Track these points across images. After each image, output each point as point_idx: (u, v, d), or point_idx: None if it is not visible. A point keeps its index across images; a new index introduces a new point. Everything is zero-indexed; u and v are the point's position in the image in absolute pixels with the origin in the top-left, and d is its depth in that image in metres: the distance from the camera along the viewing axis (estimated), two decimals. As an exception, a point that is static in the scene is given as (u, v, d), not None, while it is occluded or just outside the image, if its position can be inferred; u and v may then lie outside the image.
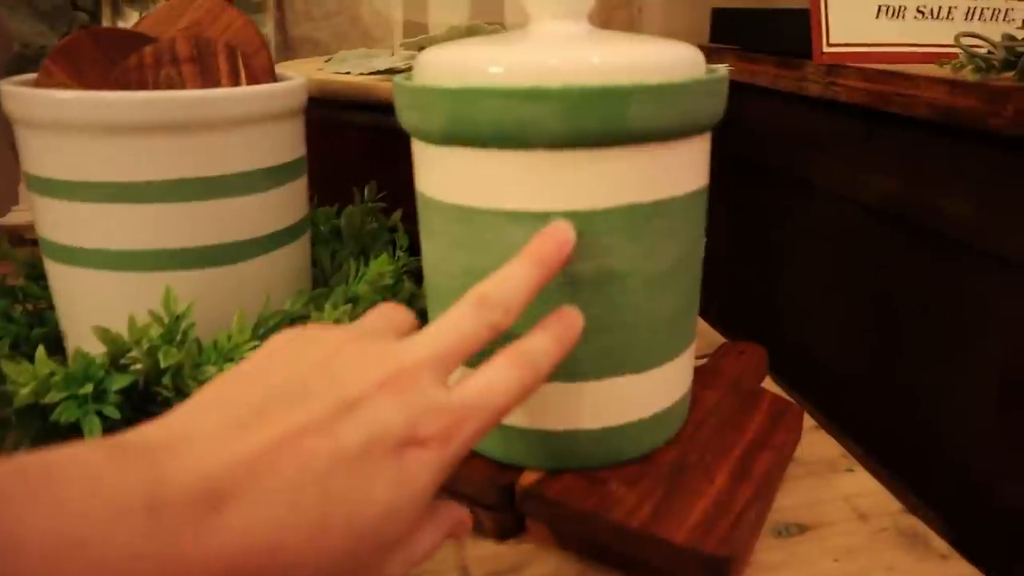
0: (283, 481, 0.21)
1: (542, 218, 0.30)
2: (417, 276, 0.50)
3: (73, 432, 0.36)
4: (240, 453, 0.21)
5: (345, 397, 0.23)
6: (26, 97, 0.39)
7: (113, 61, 0.44)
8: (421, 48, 0.57)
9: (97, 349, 0.38)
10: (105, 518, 0.18)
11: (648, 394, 0.35)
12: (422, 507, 0.24)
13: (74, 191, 0.39)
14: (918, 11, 0.61)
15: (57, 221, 0.40)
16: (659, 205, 0.31)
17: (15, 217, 0.76)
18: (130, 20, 0.79)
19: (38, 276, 0.50)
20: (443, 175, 0.32)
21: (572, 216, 0.30)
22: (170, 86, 0.42)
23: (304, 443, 0.21)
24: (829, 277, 0.66)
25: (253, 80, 0.43)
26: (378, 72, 0.56)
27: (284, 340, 0.25)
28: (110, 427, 0.36)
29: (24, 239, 0.77)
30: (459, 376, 0.26)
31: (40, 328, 0.45)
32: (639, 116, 0.29)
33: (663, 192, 0.31)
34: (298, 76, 0.44)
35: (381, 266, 0.44)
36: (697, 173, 0.33)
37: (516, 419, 0.34)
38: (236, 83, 0.43)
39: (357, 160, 0.56)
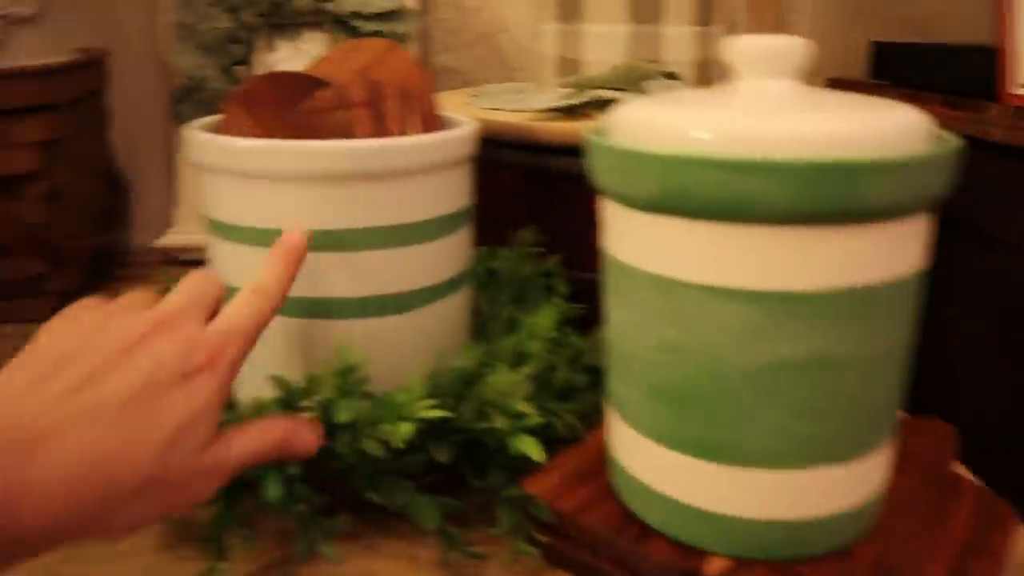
0: (89, 413, 0.26)
1: (754, 297, 0.28)
2: (578, 325, 0.48)
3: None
4: (48, 398, 0.26)
5: (127, 342, 0.28)
6: (208, 145, 0.39)
7: (289, 103, 0.44)
8: (579, 87, 0.56)
9: (267, 392, 0.38)
10: None
11: (850, 486, 0.32)
12: (213, 417, 0.29)
13: (253, 237, 0.39)
14: (1125, 50, 0.56)
15: (236, 266, 0.40)
16: (883, 288, 0.29)
17: (170, 239, 0.79)
18: (281, 51, 0.81)
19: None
20: (643, 243, 0.30)
21: (787, 297, 0.28)
22: (343, 129, 0.42)
23: (104, 380, 0.27)
24: (1012, 338, 0.61)
25: (422, 122, 0.43)
26: (535, 111, 0.55)
27: (72, 314, 0.31)
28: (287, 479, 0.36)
29: (178, 260, 0.80)
30: None
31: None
32: (873, 193, 0.26)
33: (888, 273, 0.29)
34: (468, 121, 0.44)
35: (547, 319, 0.42)
36: (921, 252, 0.30)
37: (706, 502, 0.32)
38: (406, 126, 0.43)
39: (510, 200, 0.55)
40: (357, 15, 0.75)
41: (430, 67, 0.87)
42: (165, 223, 0.84)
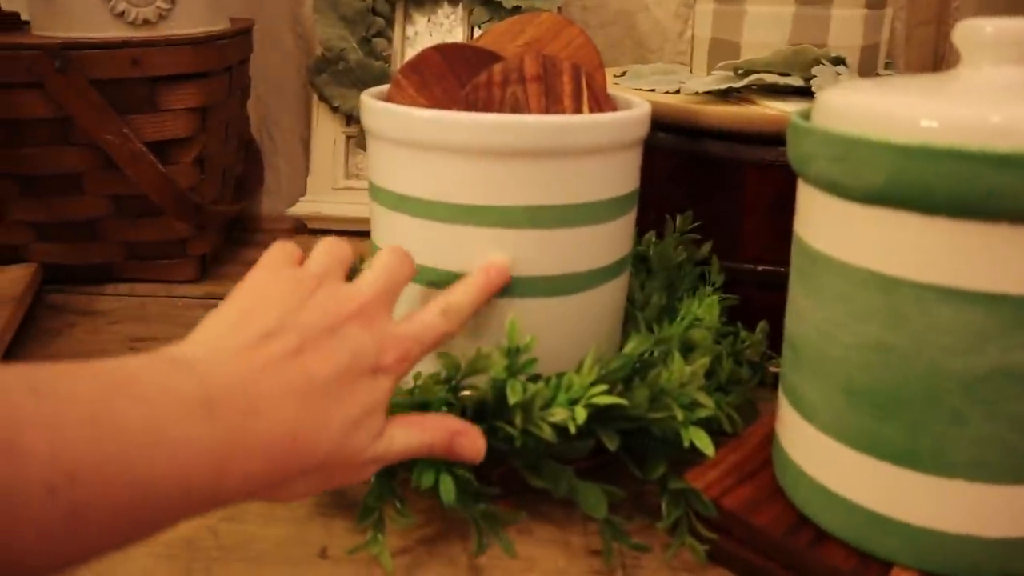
0: (296, 390, 0.27)
1: (987, 299, 0.26)
2: (729, 316, 0.47)
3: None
4: (259, 364, 0.27)
5: (330, 323, 0.30)
6: (382, 113, 0.39)
7: (458, 75, 0.44)
8: (738, 70, 0.54)
9: (428, 367, 0.38)
10: (176, 408, 0.24)
11: (1062, 506, 0.30)
12: (384, 412, 0.31)
13: (418, 208, 0.39)
14: None
15: (397, 235, 0.40)
16: None
17: (301, 208, 0.81)
18: (417, 24, 0.81)
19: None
20: (858, 236, 0.29)
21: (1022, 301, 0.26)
22: (515, 104, 0.41)
23: (308, 358, 0.28)
24: None
25: (594, 99, 0.42)
26: (693, 93, 0.53)
27: (269, 277, 0.31)
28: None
29: (307, 228, 0.81)
30: None
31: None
32: None
33: None
34: (639, 101, 0.42)
35: (711, 309, 0.41)
36: None
37: (898, 510, 0.30)
38: (578, 102, 0.42)
39: (661, 184, 0.53)
40: (499, -10, 0.75)
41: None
42: (296, 191, 0.85)
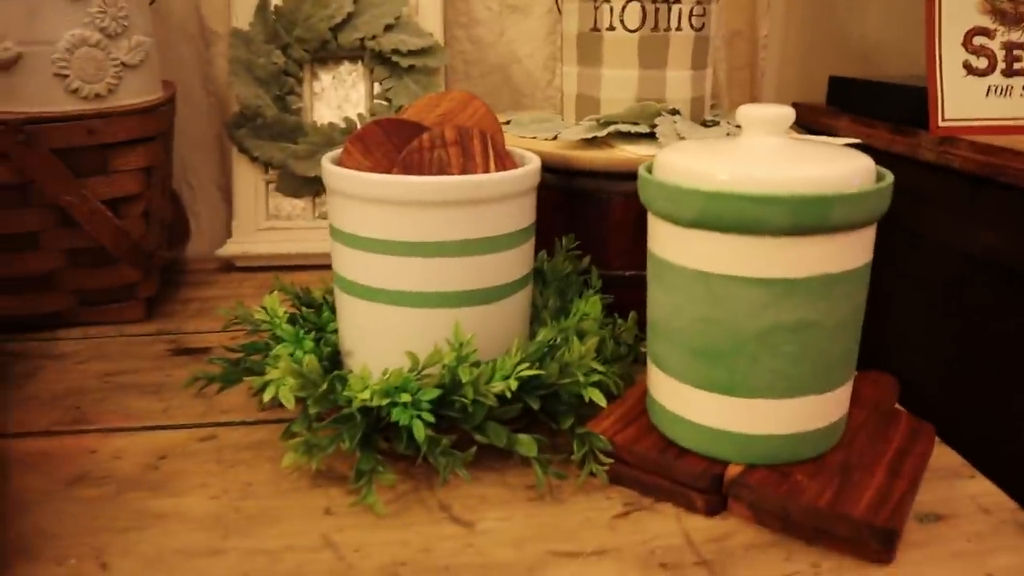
0: None
1: (763, 282, 0.43)
2: (609, 310, 0.62)
3: (391, 428, 0.49)
4: None
5: None
6: (345, 177, 0.52)
7: (393, 142, 0.57)
8: (600, 121, 0.70)
9: (381, 366, 0.50)
10: None
11: (825, 409, 0.47)
12: None
13: (376, 246, 0.52)
14: None
15: (354, 265, 0.53)
16: (844, 274, 0.43)
17: (228, 248, 0.91)
18: (324, 81, 0.93)
19: (307, 303, 0.64)
20: (686, 248, 0.44)
21: (785, 282, 0.42)
22: (440, 163, 0.55)
23: None
24: (935, 318, 0.77)
25: (497, 157, 0.56)
26: (567, 141, 0.68)
27: None
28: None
29: (235, 266, 0.92)
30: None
31: (326, 347, 0.58)
32: (839, 215, 0.41)
33: (847, 265, 0.43)
34: (531, 156, 0.57)
35: (594, 306, 0.56)
36: (868, 250, 0.45)
37: (727, 425, 0.46)
38: (487, 160, 0.56)
39: (549, 213, 0.68)
40: (396, 52, 0.88)
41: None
42: (217, 233, 0.95)
